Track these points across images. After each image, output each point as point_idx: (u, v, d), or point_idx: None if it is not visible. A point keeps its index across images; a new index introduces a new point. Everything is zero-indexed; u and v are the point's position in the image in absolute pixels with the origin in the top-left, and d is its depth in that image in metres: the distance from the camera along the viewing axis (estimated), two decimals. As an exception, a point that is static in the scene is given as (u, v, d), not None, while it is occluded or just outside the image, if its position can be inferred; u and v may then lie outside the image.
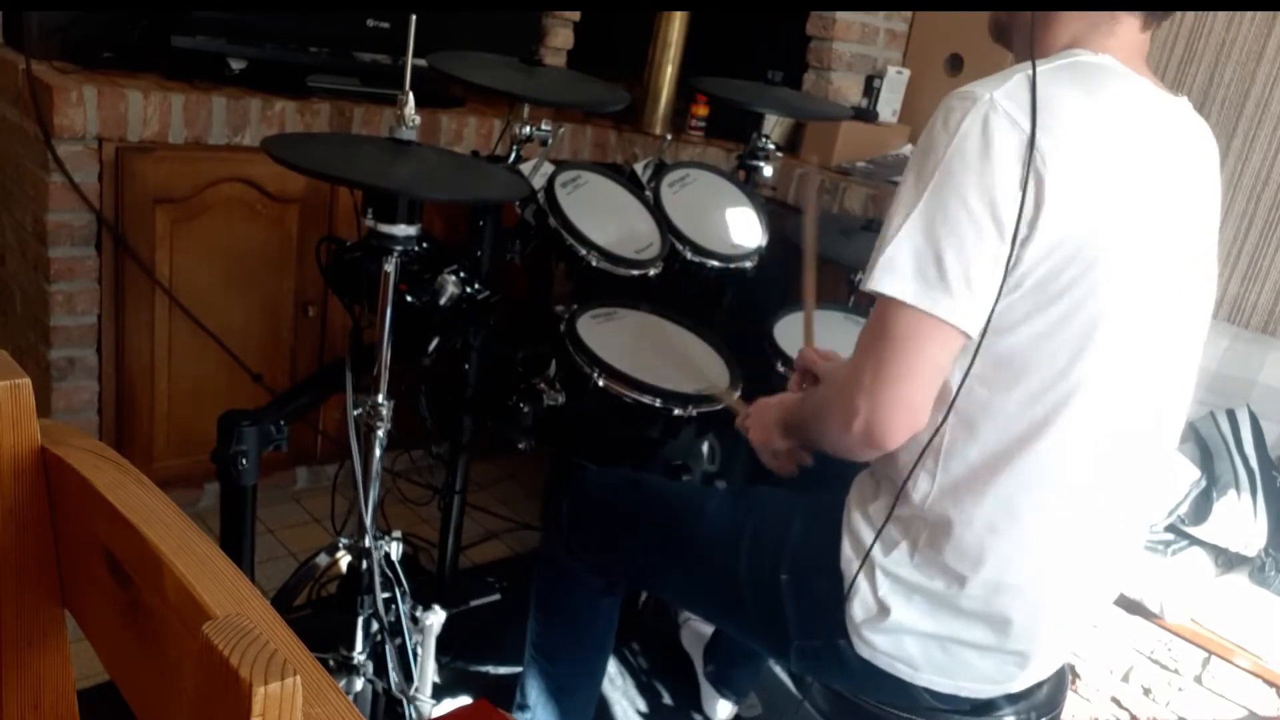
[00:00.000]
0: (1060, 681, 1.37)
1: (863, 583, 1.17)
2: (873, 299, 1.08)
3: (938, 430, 1.10)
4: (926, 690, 1.20)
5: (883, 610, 1.15)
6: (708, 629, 2.03)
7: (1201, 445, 1.99)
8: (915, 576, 1.14)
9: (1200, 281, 1.15)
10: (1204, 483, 1.90)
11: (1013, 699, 1.29)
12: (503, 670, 1.92)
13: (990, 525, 1.10)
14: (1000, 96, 1.00)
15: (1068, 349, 1.05)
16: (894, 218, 1.05)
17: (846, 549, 1.19)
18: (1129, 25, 1.08)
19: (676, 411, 1.65)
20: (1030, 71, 1.01)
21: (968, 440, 1.09)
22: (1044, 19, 1.10)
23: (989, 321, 1.03)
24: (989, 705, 1.28)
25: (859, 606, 1.17)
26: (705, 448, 1.94)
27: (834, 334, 1.94)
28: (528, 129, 1.83)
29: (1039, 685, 1.31)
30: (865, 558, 1.16)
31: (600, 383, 1.64)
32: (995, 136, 0.99)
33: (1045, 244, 1.00)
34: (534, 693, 1.59)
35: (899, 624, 1.15)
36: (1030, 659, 1.19)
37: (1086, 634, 1.86)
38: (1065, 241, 1.00)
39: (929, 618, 1.15)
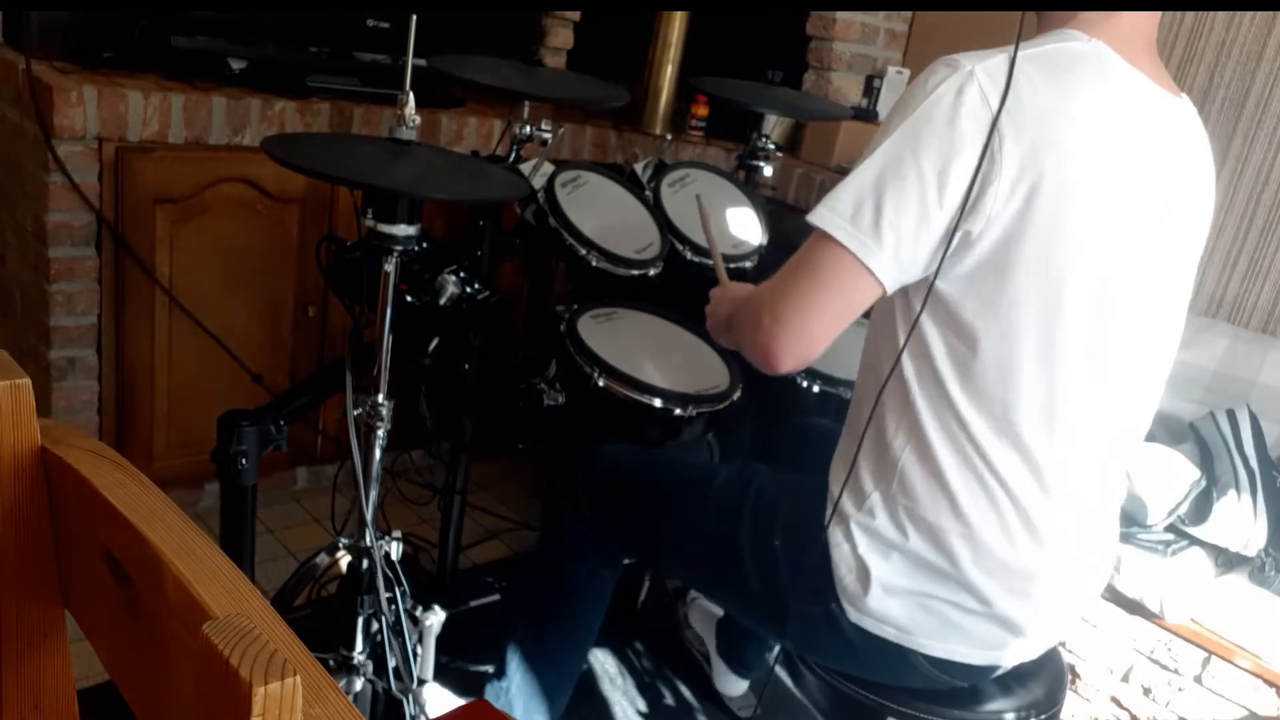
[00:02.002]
0: (1059, 679, 1.37)
1: (842, 541, 1.20)
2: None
3: (884, 384, 1.14)
4: (922, 655, 1.21)
5: (863, 569, 1.18)
6: (716, 607, 2.04)
7: (1201, 445, 1.99)
8: (890, 532, 1.17)
9: (1175, 278, 1.17)
10: (1204, 483, 1.90)
11: (1009, 691, 1.30)
12: (503, 670, 1.91)
13: (967, 490, 1.13)
14: (980, 71, 1.03)
15: (1020, 330, 1.07)
16: (858, 161, 1.09)
17: (829, 509, 1.22)
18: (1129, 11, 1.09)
19: (676, 411, 1.65)
20: (1011, 54, 1.03)
21: (940, 401, 1.12)
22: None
23: (930, 289, 1.07)
24: (986, 694, 1.29)
25: (843, 567, 1.19)
26: (705, 448, 1.94)
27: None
28: (528, 129, 1.83)
29: (1035, 680, 1.32)
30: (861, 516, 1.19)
31: (600, 383, 1.64)
32: (964, 107, 1.02)
33: (984, 224, 1.03)
34: (515, 662, 1.59)
35: (881, 582, 1.17)
36: (1018, 627, 1.20)
37: (1078, 618, 1.86)
38: (1006, 225, 1.03)
39: (907, 576, 1.17)
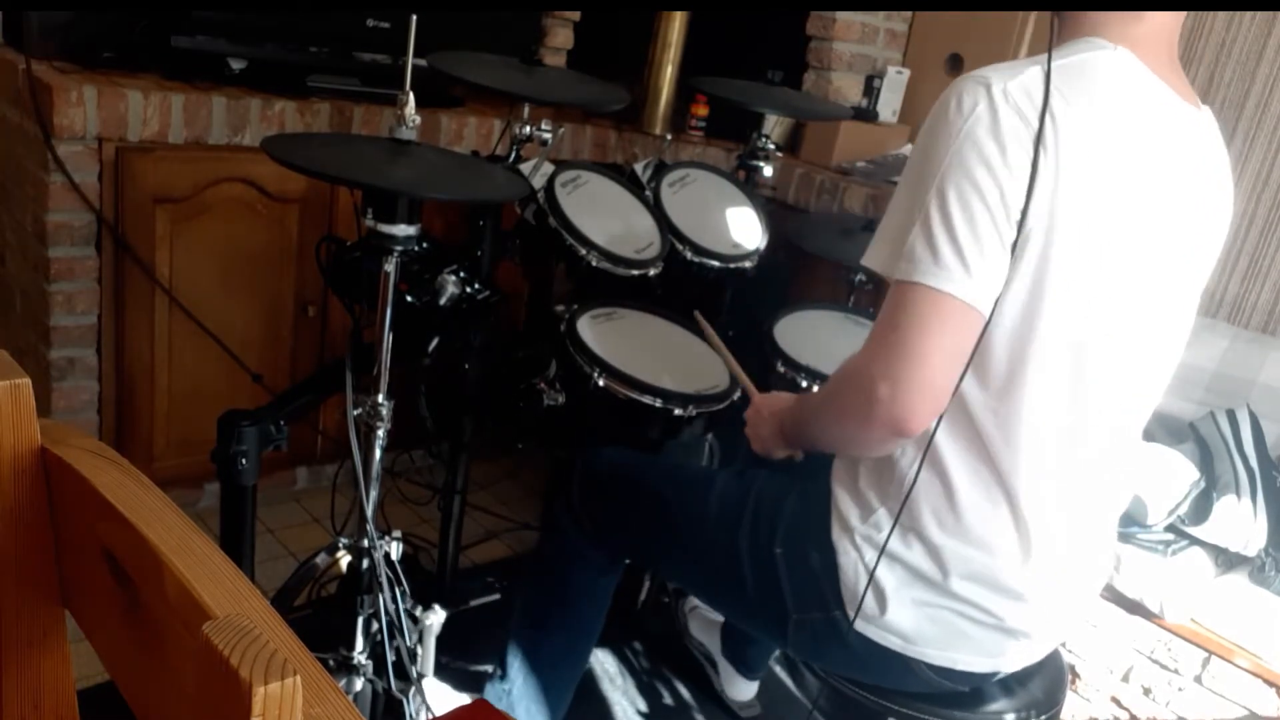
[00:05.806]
0: (1059, 679, 1.37)
1: (850, 550, 1.19)
2: (874, 300, 1.09)
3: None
4: (925, 664, 1.21)
5: (871, 582, 1.17)
6: (717, 614, 2.03)
7: (1201, 445, 1.99)
8: (895, 545, 1.16)
9: (1185, 287, 1.17)
10: (1204, 483, 1.90)
11: (1009, 691, 1.30)
12: (503, 670, 1.92)
13: (971, 502, 1.13)
14: (1014, 88, 1.02)
15: (1034, 336, 1.06)
16: (906, 200, 1.07)
17: (835, 522, 1.22)
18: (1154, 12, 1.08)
19: (676, 411, 1.65)
20: (1045, 66, 1.03)
21: (959, 414, 1.11)
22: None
23: (995, 305, 1.05)
24: (986, 695, 1.29)
25: (852, 577, 1.19)
26: (705, 447, 1.94)
27: (834, 334, 1.94)
28: (528, 129, 1.83)
29: (1035, 680, 1.32)
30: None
31: (600, 383, 1.64)
32: (1003, 124, 1.01)
33: (1025, 240, 1.02)
34: (516, 663, 1.59)
35: (890, 593, 1.17)
36: (1021, 634, 1.20)
37: (1080, 619, 1.86)
38: (1041, 242, 1.03)
39: (912, 587, 1.17)
